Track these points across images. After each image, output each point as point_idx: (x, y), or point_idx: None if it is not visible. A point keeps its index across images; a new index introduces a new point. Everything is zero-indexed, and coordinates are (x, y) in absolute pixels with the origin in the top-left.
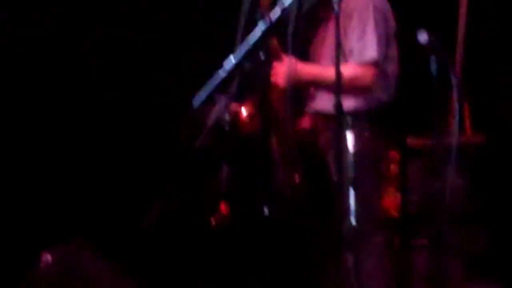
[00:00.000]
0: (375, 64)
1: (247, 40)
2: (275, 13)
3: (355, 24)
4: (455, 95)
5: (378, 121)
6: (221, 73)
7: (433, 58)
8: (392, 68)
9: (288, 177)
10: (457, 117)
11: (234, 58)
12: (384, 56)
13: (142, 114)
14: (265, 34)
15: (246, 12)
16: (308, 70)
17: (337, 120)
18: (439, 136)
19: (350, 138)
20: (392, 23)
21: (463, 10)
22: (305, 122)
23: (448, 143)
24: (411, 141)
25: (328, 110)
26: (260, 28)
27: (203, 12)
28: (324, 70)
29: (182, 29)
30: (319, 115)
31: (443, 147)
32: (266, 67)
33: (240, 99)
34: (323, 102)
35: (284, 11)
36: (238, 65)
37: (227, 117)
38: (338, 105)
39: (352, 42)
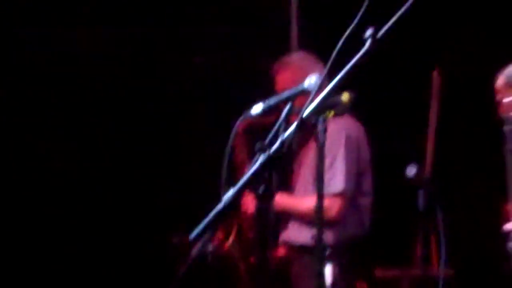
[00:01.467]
0: (342, 195)
1: (247, 172)
2: (275, 145)
3: (325, 153)
4: (440, 228)
5: (348, 254)
6: (219, 206)
7: (421, 192)
8: (365, 201)
9: None
10: (443, 251)
11: (233, 190)
12: (354, 189)
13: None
14: (264, 167)
15: (232, 140)
16: (280, 200)
17: (316, 252)
18: (424, 268)
19: (328, 270)
20: (366, 153)
21: (431, 141)
22: (280, 252)
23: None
24: (379, 272)
25: (297, 241)
26: (259, 160)
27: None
28: (294, 201)
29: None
30: (290, 245)
31: (421, 280)
32: (265, 200)
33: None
34: (293, 233)
35: (284, 143)
36: (236, 198)
37: (210, 247)
38: (319, 237)
39: None
